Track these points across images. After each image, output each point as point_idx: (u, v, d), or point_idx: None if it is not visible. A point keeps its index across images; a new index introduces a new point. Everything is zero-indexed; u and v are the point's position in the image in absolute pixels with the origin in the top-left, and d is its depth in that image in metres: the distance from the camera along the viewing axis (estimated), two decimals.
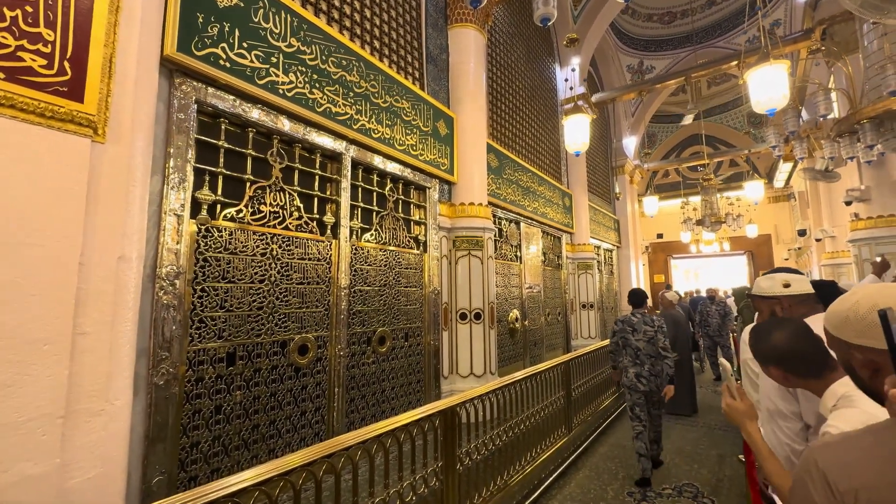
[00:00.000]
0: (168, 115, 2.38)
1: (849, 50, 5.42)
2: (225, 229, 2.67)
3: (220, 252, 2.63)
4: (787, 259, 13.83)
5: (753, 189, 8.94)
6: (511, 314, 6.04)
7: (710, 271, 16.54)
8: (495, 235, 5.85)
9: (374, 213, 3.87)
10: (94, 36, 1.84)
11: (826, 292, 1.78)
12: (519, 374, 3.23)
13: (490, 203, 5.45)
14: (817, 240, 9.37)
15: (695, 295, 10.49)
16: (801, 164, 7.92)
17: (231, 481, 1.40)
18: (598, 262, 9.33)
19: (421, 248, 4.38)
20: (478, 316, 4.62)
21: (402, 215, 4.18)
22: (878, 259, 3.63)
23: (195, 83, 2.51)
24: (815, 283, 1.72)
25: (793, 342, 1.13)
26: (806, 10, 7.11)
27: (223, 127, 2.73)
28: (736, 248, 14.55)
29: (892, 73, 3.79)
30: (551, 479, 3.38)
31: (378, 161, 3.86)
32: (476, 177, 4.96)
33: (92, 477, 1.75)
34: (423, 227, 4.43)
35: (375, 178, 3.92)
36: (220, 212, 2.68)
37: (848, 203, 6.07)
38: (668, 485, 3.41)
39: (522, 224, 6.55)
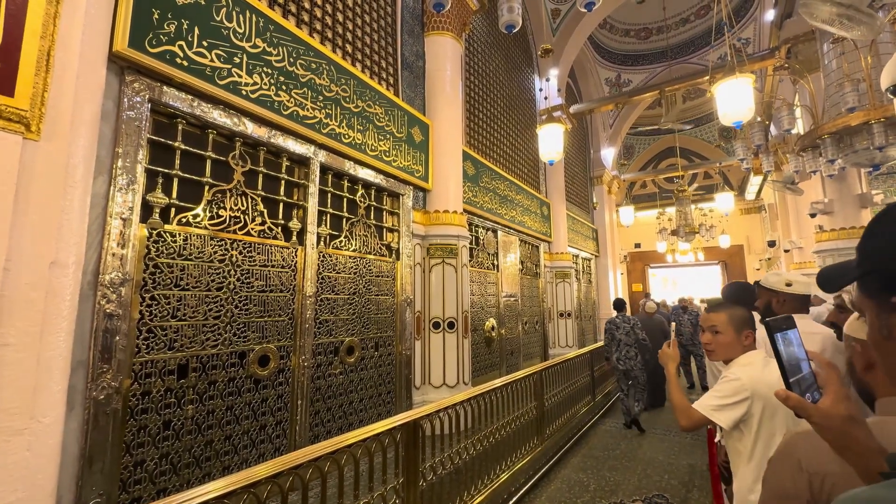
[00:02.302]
0: (117, 114, 2.26)
1: (811, 68, 5.63)
2: (179, 234, 2.54)
3: (173, 258, 2.50)
4: (758, 269, 14.24)
5: (724, 200, 9.18)
6: (487, 323, 5.99)
7: (687, 280, 16.88)
8: (472, 243, 5.81)
9: (345, 220, 3.78)
10: (29, 27, 1.72)
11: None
12: (487, 386, 3.16)
13: (466, 211, 5.42)
14: (786, 251, 9.66)
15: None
16: (770, 177, 8.18)
17: None
18: (576, 270, 9.39)
19: (393, 255, 4.30)
20: (451, 325, 4.55)
21: (374, 222, 4.10)
22: None
23: (149, 81, 2.40)
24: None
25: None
26: (772, 30, 7.38)
27: (180, 128, 2.62)
28: (710, 257, 14.91)
29: (849, 90, 3.93)
30: (521, 492, 3.31)
31: (349, 166, 3.78)
32: (451, 184, 4.92)
33: (11, 502, 1.60)
34: (396, 234, 4.36)
35: (346, 183, 3.84)
36: (175, 216, 2.55)
37: (813, 215, 6.26)
38: (638, 496, 3.38)
39: (500, 232, 6.53)
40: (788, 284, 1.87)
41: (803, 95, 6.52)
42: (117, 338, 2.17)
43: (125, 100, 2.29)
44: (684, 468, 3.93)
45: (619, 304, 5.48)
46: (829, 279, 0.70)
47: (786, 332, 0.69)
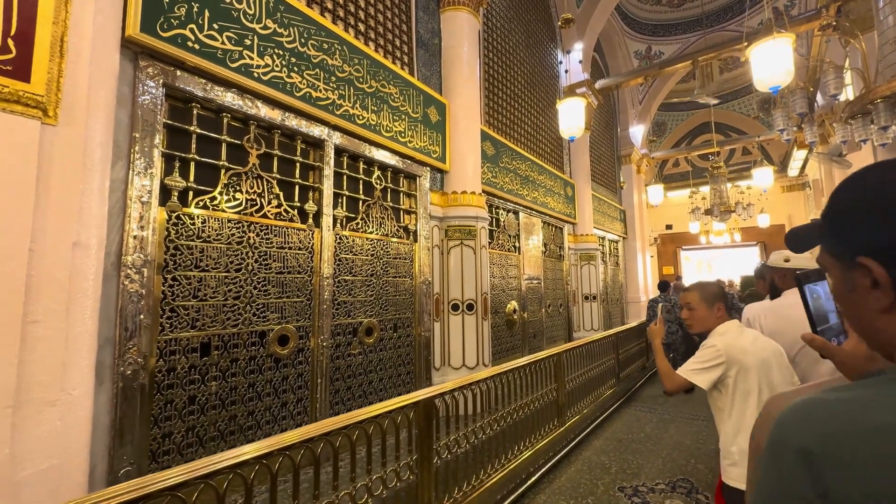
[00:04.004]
0: (133, 99, 2.31)
1: (864, 28, 5.13)
2: (197, 217, 2.61)
3: (192, 240, 2.57)
4: None
5: (762, 176, 8.64)
6: (509, 305, 5.93)
7: (723, 263, 16.13)
8: (492, 225, 5.73)
9: (361, 202, 3.78)
10: (41, 13, 1.76)
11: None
12: (503, 367, 3.13)
13: (486, 192, 5.32)
14: None
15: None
16: (815, 149, 7.61)
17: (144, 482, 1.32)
18: (602, 253, 9.14)
19: (411, 237, 4.29)
20: (470, 307, 4.53)
21: (390, 204, 4.09)
22: None
23: (162, 66, 2.44)
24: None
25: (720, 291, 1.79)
26: None
27: (195, 112, 2.66)
28: (747, 238, 14.14)
29: None
30: (540, 473, 3.29)
31: (364, 148, 3.76)
32: (469, 165, 4.83)
33: (46, 468, 1.71)
34: (413, 216, 4.34)
35: (362, 165, 3.83)
36: (193, 199, 2.61)
37: None
38: (661, 480, 3.30)
39: (521, 214, 6.41)
40: (787, 260, 2.03)
41: (854, 59, 5.97)
42: (141, 316, 2.26)
43: (140, 85, 2.33)
44: (713, 453, 3.80)
45: (663, 286, 6.42)
46: (798, 239, 0.73)
47: (814, 285, 0.76)
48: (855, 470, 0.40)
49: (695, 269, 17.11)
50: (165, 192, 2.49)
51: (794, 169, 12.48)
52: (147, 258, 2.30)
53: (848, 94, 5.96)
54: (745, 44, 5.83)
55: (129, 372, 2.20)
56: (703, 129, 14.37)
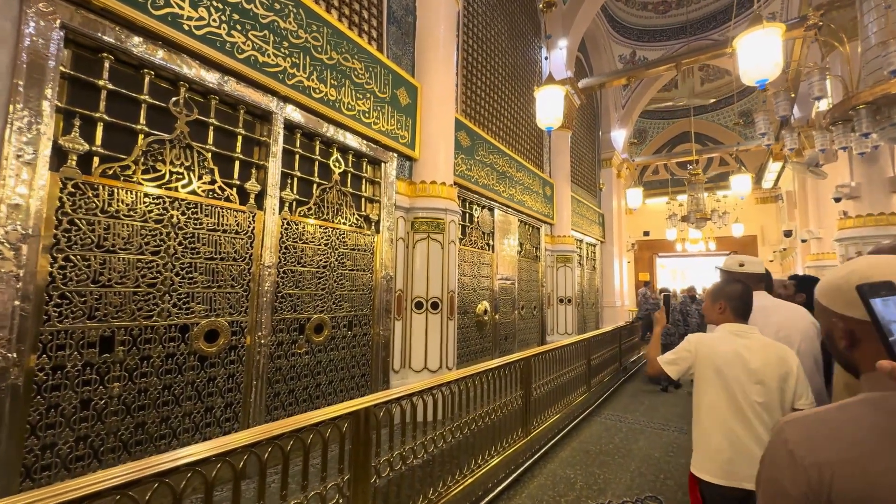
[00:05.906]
0: (17, 38, 1.90)
1: (848, 36, 5.06)
2: (103, 187, 2.20)
3: (94, 214, 2.16)
4: (772, 260, 13.65)
5: (740, 183, 8.63)
6: (480, 306, 5.64)
7: (697, 271, 16.32)
8: (466, 221, 5.44)
9: (315, 186, 3.42)
10: None
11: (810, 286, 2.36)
12: (461, 372, 2.83)
13: (459, 185, 5.03)
14: (803, 241, 9.11)
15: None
16: (790, 157, 7.62)
17: None
18: (579, 255, 8.98)
19: (373, 227, 3.94)
20: (435, 305, 4.21)
21: (350, 190, 3.73)
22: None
23: (62, 2, 2.03)
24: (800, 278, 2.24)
25: (744, 293, 1.69)
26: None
27: (107, 64, 2.25)
28: (722, 247, 14.32)
29: (894, 49, 3.42)
30: (499, 489, 3.00)
31: (321, 126, 3.39)
32: (441, 153, 4.51)
33: None
34: (376, 205, 3.99)
35: (318, 145, 3.46)
36: (98, 166, 2.21)
37: (837, 199, 5.76)
38: (628, 497, 3.05)
39: (497, 211, 6.13)
40: (741, 265, 2.02)
41: (834, 68, 5.94)
42: (16, 302, 1.86)
43: (28, 22, 1.92)
44: (682, 468, 3.59)
45: (665, 294, 8.07)
46: None
47: (886, 299, 0.61)
48: None
49: (670, 277, 17.28)
50: (62, 156, 2.08)
51: (768, 181, 12.66)
52: (28, 232, 1.90)
53: (828, 99, 5.92)
54: (730, 49, 5.72)
55: None
56: (683, 139, 14.48)
